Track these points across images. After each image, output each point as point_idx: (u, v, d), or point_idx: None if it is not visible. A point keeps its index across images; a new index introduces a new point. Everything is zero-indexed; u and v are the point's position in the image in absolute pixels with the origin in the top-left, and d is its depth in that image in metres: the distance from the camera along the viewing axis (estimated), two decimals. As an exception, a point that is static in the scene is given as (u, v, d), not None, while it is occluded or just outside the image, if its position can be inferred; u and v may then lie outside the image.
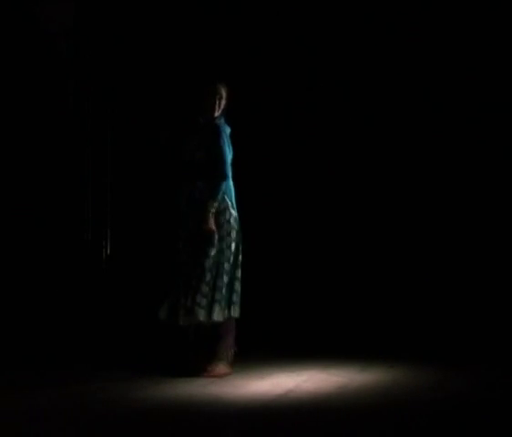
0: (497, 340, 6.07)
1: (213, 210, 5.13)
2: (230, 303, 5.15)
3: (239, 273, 5.22)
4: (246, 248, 5.31)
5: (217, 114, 5.29)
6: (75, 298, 6.70)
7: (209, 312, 5.09)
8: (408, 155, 6.79)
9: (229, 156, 5.23)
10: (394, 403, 4.27)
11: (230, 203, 5.22)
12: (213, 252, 5.14)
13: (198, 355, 5.18)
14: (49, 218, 6.78)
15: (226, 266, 5.16)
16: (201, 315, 5.07)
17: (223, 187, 5.17)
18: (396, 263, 6.73)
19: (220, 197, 5.17)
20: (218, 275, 5.14)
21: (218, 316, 5.09)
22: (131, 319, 6.66)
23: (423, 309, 6.55)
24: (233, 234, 5.21)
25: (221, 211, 5.20)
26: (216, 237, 5.15)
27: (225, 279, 5.14)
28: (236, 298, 5.18)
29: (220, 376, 5.06)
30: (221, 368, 5.11)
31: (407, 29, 6.73)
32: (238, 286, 5.20)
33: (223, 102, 5.31)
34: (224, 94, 5.32)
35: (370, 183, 6.87)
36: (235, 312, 5.17)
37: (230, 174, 5.23)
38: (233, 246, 5.19)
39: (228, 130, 5.31)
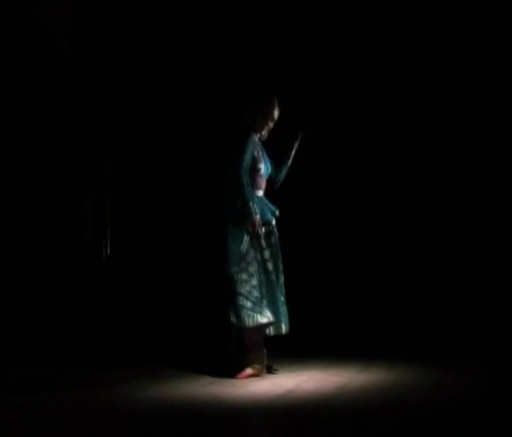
0: (497, 341, 6.08)
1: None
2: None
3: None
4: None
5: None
6: (75, 298, 6.70)
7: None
8: (407, 158, 6.80)
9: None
10: (394, 403, 4.26)
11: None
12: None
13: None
14: (49, 218, 6.78)
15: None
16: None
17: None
18: (396, 264, 6.74)
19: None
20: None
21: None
22: (131, 318, 6.66)
23: (422, 310, 6.55)
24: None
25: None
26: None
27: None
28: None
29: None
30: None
31: (408, 30, 6.74)
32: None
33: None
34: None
35: (370, 184, 6.88)
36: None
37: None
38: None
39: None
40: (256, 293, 5.11)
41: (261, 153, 5.26)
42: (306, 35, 6.85)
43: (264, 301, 5.13)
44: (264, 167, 5.28)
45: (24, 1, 6.75)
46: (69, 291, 6.71)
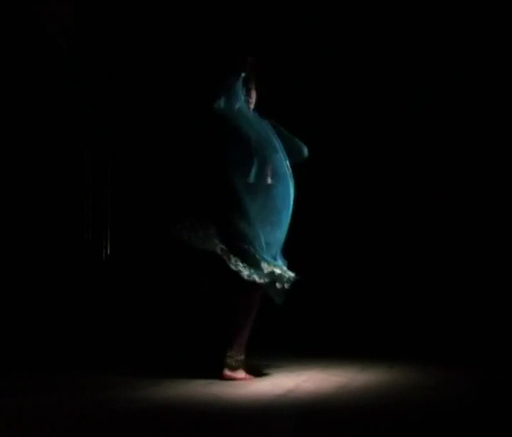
0: (497, 341, 6.07)
1: None
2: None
3: None
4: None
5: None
6: (75, 298, 6.70)
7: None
8: (406, 159, 6.80)
9: None
10: (394, 403, 4.26)
11: None
12: None
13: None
14: (49, 218, 6.78)
15: None
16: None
17: None
18: (396, 263, 6.74)
19: None
20: None
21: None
22: (131, 319, 6.66)
23: (422, 310, 6.55)
24: None
25: None
26: None
27: None
28: None
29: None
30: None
31: (409, 30, 6.74)
32: None
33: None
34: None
35: (369, 183, 6.88)
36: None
37: None
38: None
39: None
40: None
41: None
42: (306, 34, 6.85)
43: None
44: None
45: (23, 1, 6.75)
46: (69, 292, 6.71)
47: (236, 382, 4.91)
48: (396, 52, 6.78)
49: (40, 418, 4.12)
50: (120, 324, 6.62)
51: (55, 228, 6.79)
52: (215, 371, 5.06)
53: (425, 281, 6.66)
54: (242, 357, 5.01)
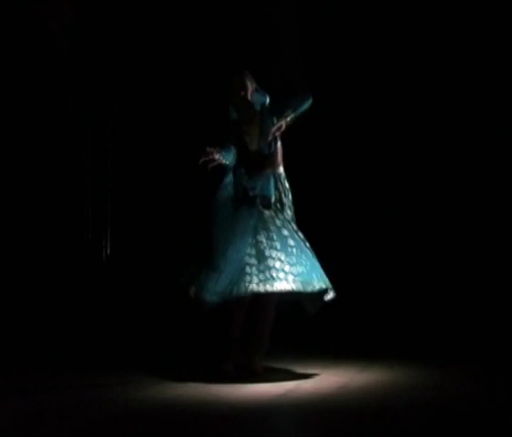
0: (497, 341, 6.07)
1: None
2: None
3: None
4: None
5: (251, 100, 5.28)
6: (75, 298, 6.69)
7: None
8: (408, 158, 6.79)
9: None
10: (394, 403, 4.26)
11: None
12: None
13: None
14: (49, 218, 6.78)
15: None
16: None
17: None
18: (396, 263, 6.73)
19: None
20: None
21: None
22: (131, 319, 6.66)
23: (422, 309, 6.55)
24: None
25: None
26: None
27: None
28: None
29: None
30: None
31: (409, 28, 6.74)
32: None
33: (250, 88, 5.29)
34: (248, 82, 5.28)
35: (369, 181, 6.87)
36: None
37: None
38: None
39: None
40: None
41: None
42: (307, 31, 6.85)
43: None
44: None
45: (23, 1, 6.75)
46: (69, 292, 6.71)
47: (236, 382, 4.92)
48: (396, 51, 6.78)
49: (40, 418, 4.12)
50: (120, 324, 6.62)
51: (55, 229, 6.79)
52: (214, 371, 5.07)
53: (425, 281, 6.66)
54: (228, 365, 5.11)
